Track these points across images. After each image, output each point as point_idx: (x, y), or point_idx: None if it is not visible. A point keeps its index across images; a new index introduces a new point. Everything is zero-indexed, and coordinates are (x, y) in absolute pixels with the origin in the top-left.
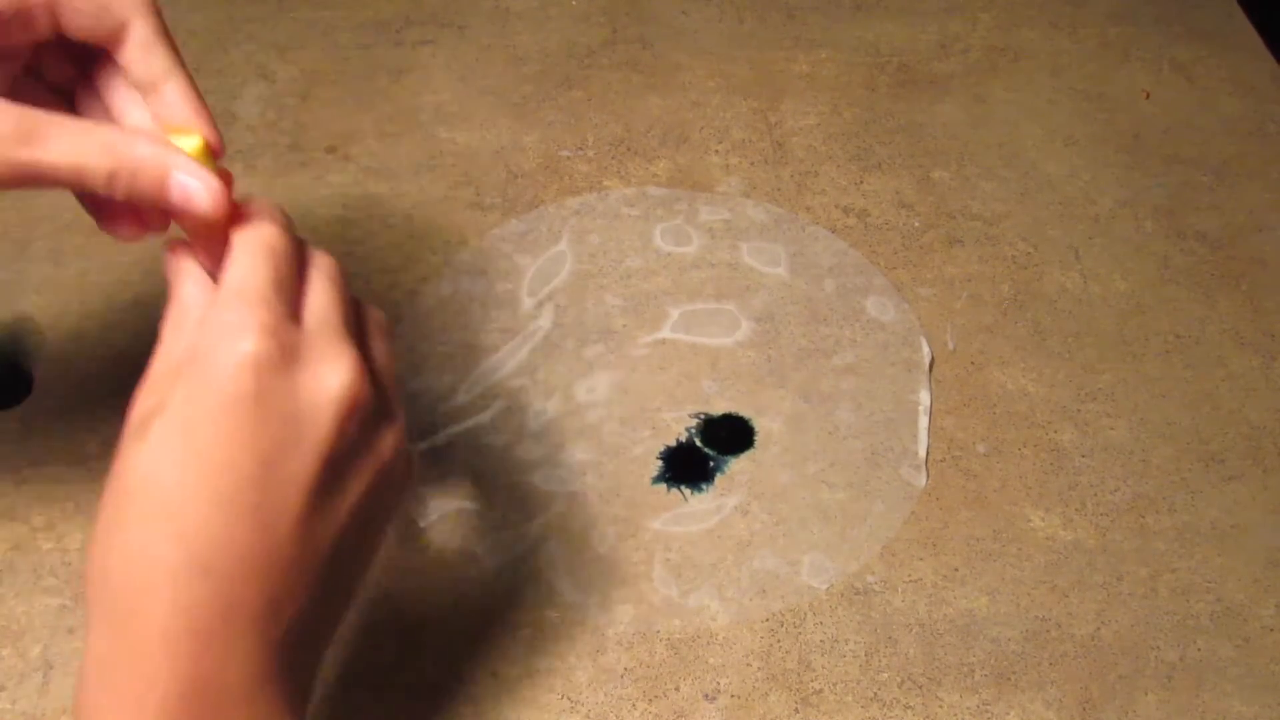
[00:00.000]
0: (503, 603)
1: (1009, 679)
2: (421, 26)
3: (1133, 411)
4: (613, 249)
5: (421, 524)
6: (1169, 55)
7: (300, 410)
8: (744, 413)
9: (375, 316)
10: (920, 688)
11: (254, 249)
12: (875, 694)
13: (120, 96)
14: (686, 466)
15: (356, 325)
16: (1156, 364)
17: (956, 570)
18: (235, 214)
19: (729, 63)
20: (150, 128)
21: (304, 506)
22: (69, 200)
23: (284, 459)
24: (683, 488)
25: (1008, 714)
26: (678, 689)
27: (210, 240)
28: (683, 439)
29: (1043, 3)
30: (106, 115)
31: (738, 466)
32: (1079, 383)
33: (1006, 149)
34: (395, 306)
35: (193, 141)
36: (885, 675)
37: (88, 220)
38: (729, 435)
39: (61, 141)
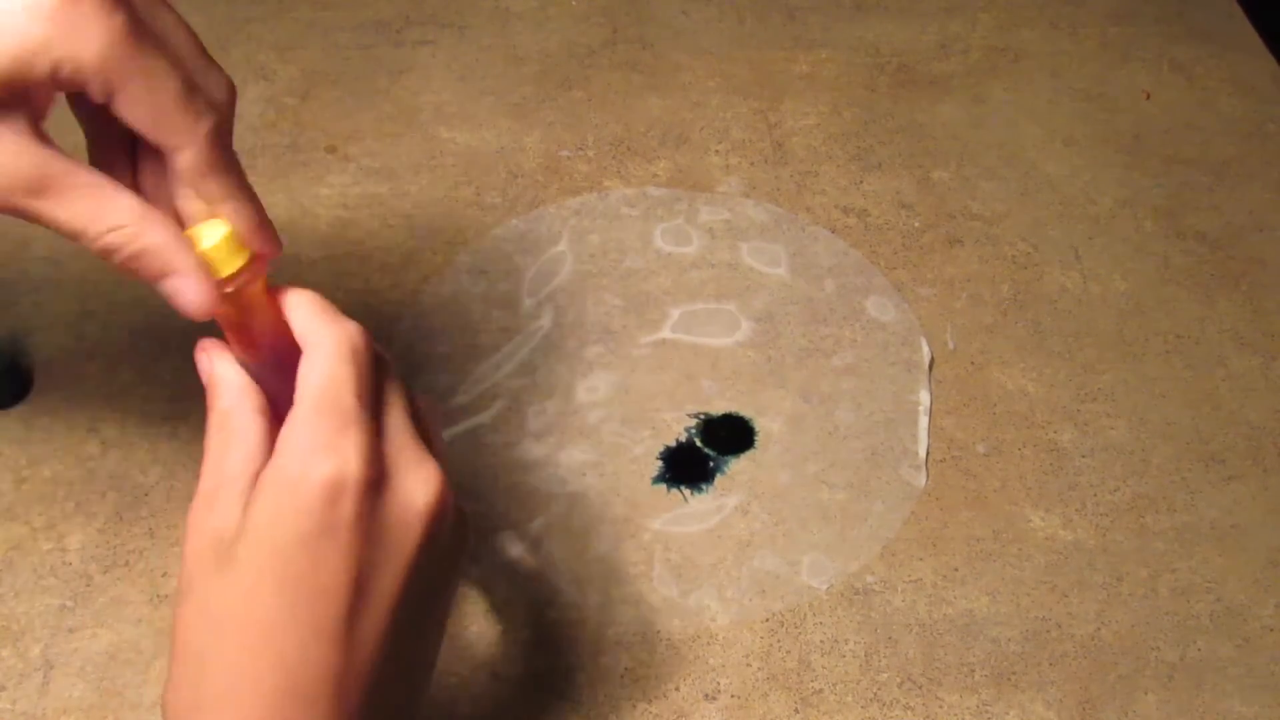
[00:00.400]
0: (503, 603)
1: (1009, 679)
2: (421, 26)
3: (1133, 411)
4: (613, 249)
5: None
6: (1169, 55)
7: (391, 529)
8: (744, 413)
9: (427, 402)
10: (920, 688)
11: (336, 352)
12: (875, 694)
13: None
14: (686, 466)
15: (426, 414)
16: (1156, 364)
17: (956, 570)
18: (274, 301)
19: (729, 63)
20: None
21: (393, 619)
22: None
23: (376, 579)
24: (683, 488)
25: (1008, 714)
26: (678, 689)
27: (244, 330)
28: (683, 439)
29: (1043, 3)
30: (160, 166)
31: (738, 466)
32: (1079, 383)
33: (1006, 149)
34: (395, 306)
35: (219, 231)
36: (885, 675)
37: None
38: (729, 435)
39: (73, 204)
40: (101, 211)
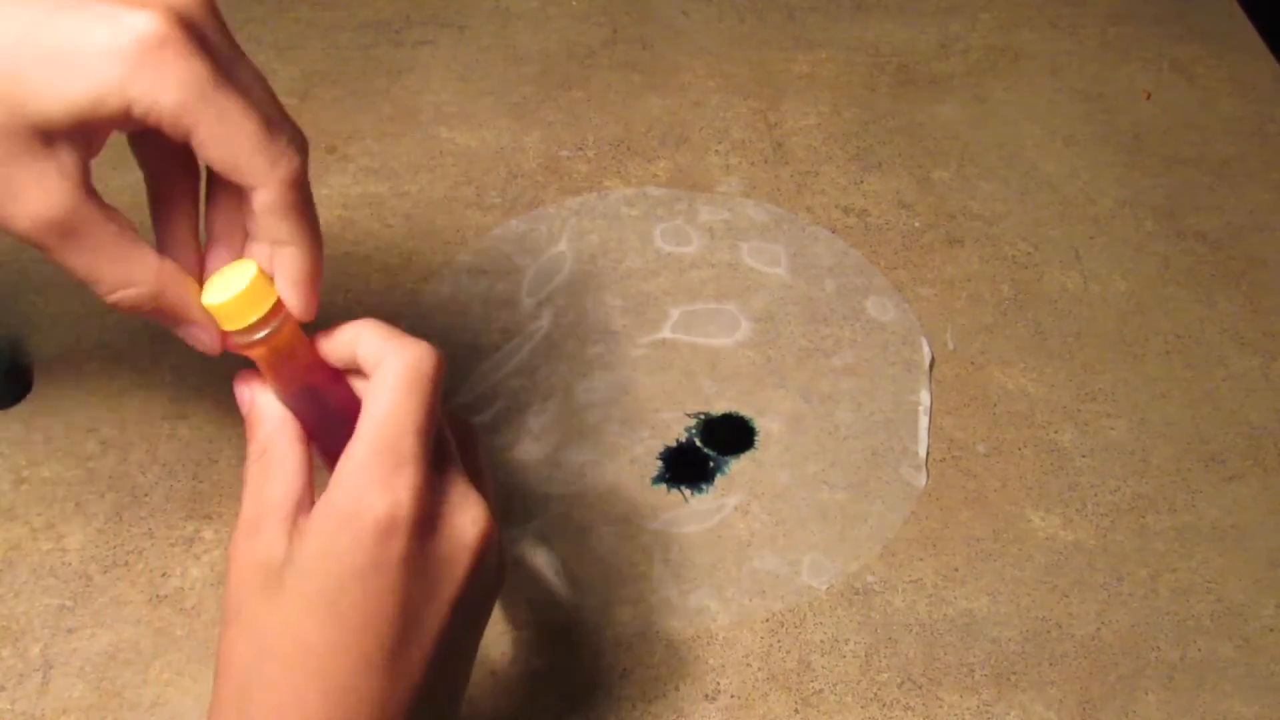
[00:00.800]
0: (503, 603)
1: (1009, 679)
2: (421, 26)
3: (1133, 411)
4: (613, 249)
5: None
6: (1169, 55)
7: (439, 565)
8: (744, 413)
9: (469, 426)
10: (920, 688)
11: (400, 381)
12: (875, 694)
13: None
14: (686, 466)
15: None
16: (1156, 364)
17: (956, 570)
18: (306, 341)
19: (729, 63)
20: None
21: (436, 650)
22: None
23: (423, 612)
24: (683, 488)
25: (1008, 714)
26: (678, 689)
27: (276, 367)
28: (683, 439)
29: (1043, 3)
30: (234, 198)
31: (738, 466)
32: (1079, 383)
33: (1006, 149)
34: (395, 306)
35: (237, 284)
36: (885, 675)
37: None
38: (729, 435)
39: (93, 255)
40: (117, 268)
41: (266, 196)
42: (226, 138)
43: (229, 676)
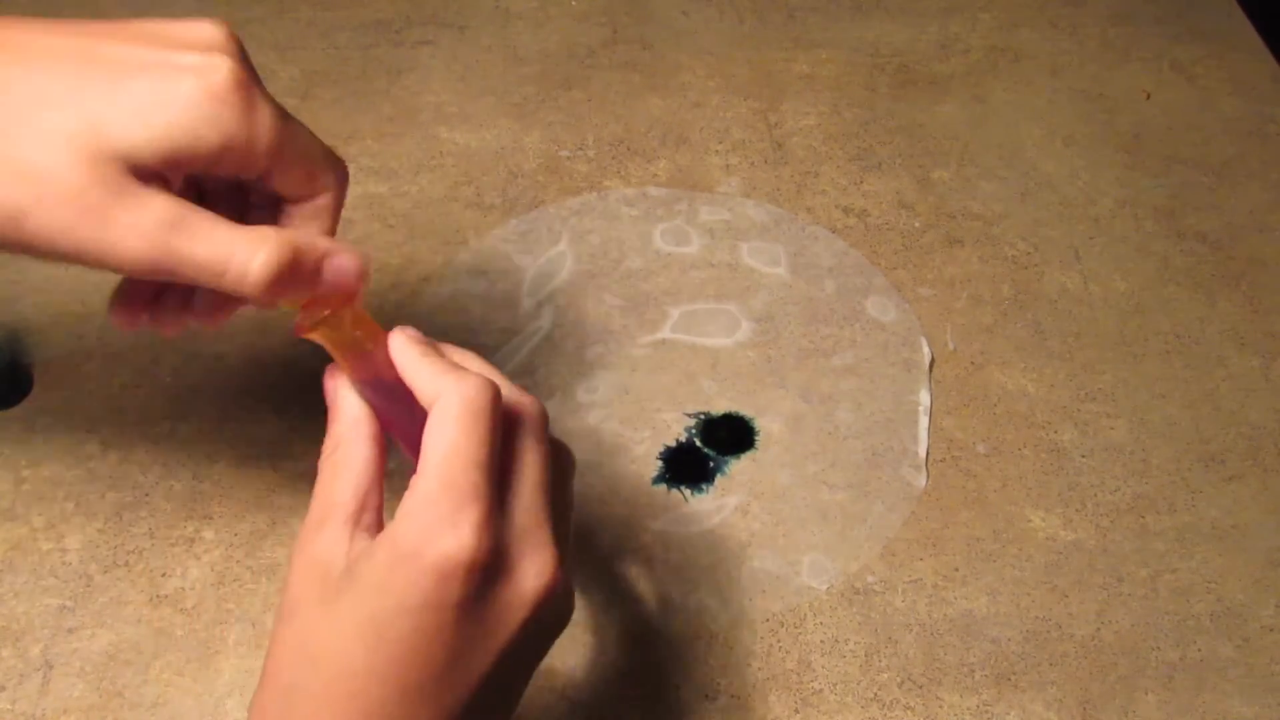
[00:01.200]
0: None
1: (1009, 679)
2: (421, 26)
3: (1133, 411)
4: (613, 249)
5: None
6: (1169, 55)
7: (497, 611)
8: (744, 413)
9: (568, 458)
10: (920, 688)
11: (460, 417)
12: (875, 694)
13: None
14: (686, 467)
15: (552, 470)
16: (1156, 364)
17: (956, 570)
18: (375, 337)
19: (729, 63)
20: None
21: (481, 689)
22: None
23: (472, 654)
24: (683, 488)
25: (1008, 714)
26: (678, 689)
27: (345, 358)
28: (683, 439)
29: (1043, 3)
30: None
31: (738, 467)
32: (1079, 383)
33: (1006, 149)
34: (395, 306)
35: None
36: (885, 675)
37: None
38: (729, 435)
39: (212, 236)
40: (239, 235)
41: (329, 200)
42: (305, 159)
43: (276, 676)
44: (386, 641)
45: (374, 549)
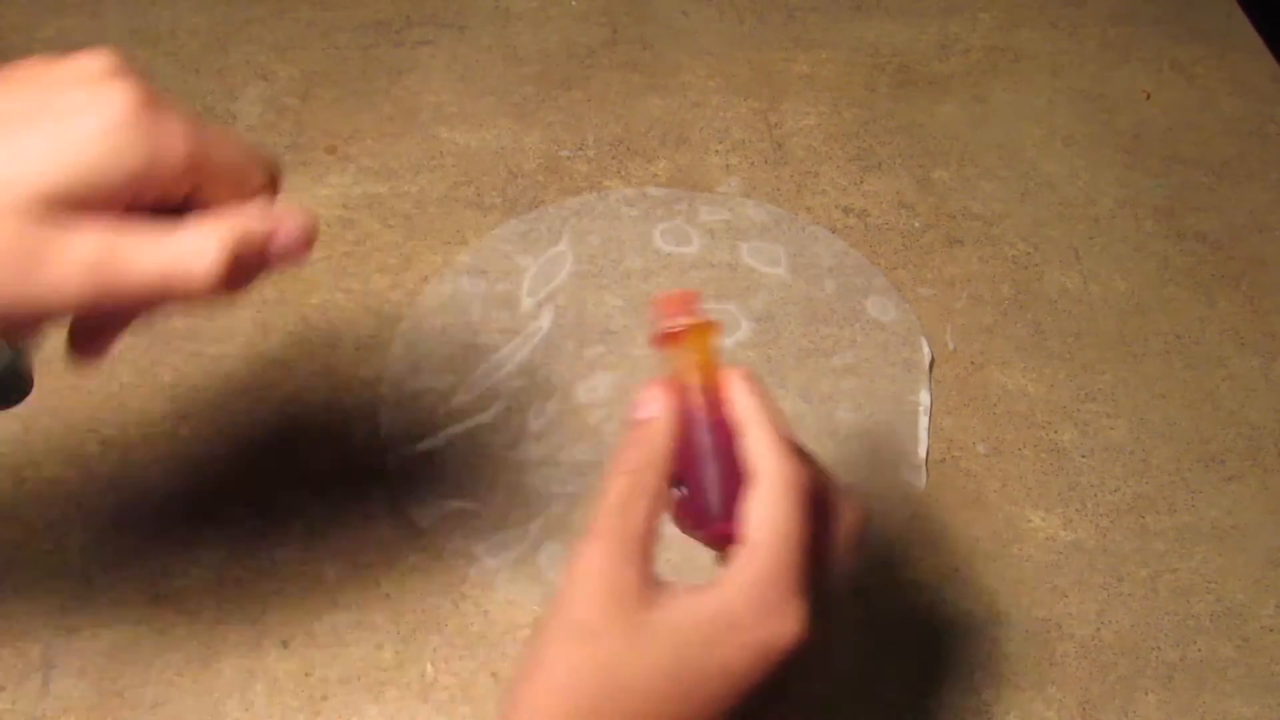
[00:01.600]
0: (503, 603)
1: (1009, 679)
2: (421, 26)
3: (1133, 411)
4: (613, 249)
5: (421, 524)
6: (1169, 55)
7: (769, 687)
8: None
9: (855, 513)
10: (920, 688)
11: (790, 498)
12: (875, 694)
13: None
14: None
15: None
16: (1156, 364)
17: (957, 570)
18: (715, 377)
19: (729, 63)
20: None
21: None
22: None
23: (745, 714)
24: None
25: (1008, 714)
26: None
27: (692, 384)
28: None
29: (1043, 3)
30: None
31: None
32: (1079, 383)
33: (1006, 149)
34: (395, 306)
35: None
36: (886, 675)
37: None
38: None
39: (151, 251)
40: (181, 245)
41: (265, 200)
42: (229, 167)
43: (572, 689)
44: (697, 699)
45: (700, 606)
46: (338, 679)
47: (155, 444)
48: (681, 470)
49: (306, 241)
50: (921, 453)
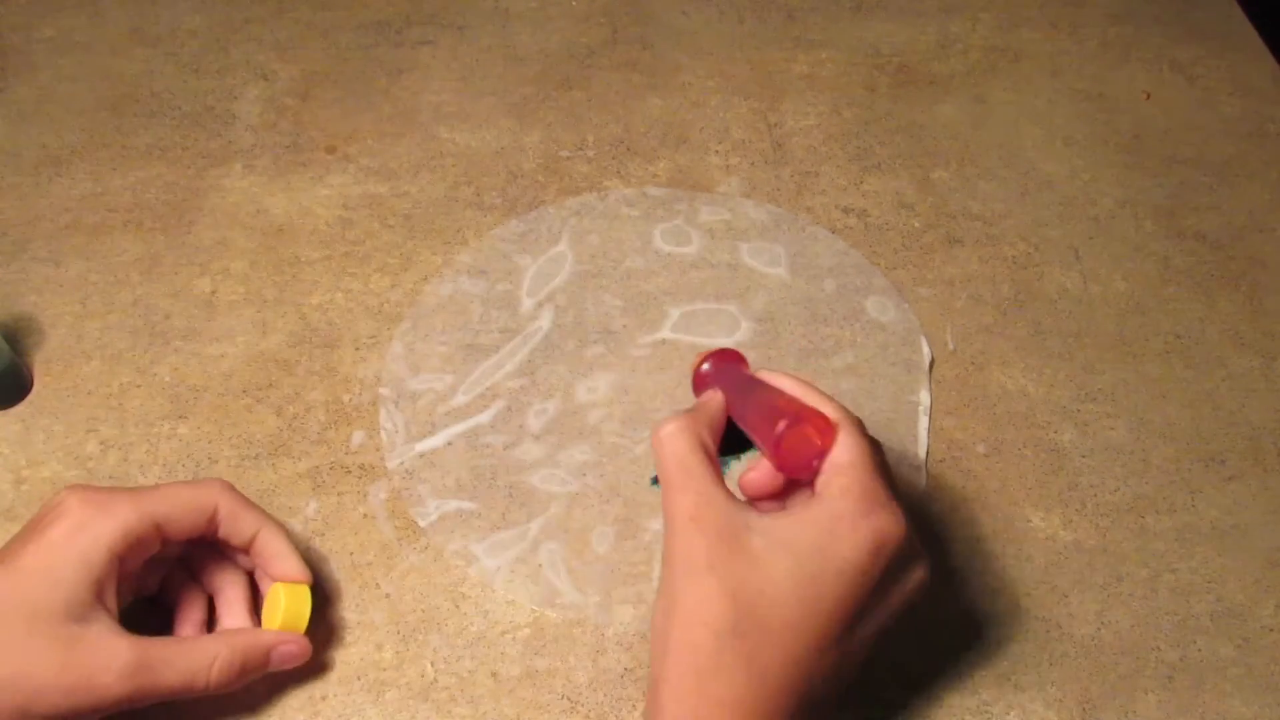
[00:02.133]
0: (503, 603)
1: (1009, 679)
2: (421, 26)
3: (1133, 411)
4: (613, 249)
5: (421, 524)
6: (1169, 55)
7: (895, 589)
8: None
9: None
10: (920, 688)
11: (865, 438)
12: (875, 694)
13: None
14: None
15: None
16: (1156, 364)
17: (956, 570)
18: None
19: (729, 63)
20: (240, 617)
21: (861, 649)
22: (69, 200)
23: (871, 619)
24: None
25: (1008, 714)
26: None
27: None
28: None
29: (1043, 3)
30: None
31: (738, 467)
32: (1079, 383)
33: (1006, 149)
34: (395, 306)
35: (303, 589)
36: (886, 675)
37: (88, 220)
38: (729, 435)
39: (173, 663)
40: (202, 656)
41: (227, 504)
42: (246, 507)
43: (708, 615)
44: (821, 599)
45: (808, 518)
46: (338, 679)
47: (155, 444)
48: (753, 423)
49: (301, 657)
50: (921, 453)
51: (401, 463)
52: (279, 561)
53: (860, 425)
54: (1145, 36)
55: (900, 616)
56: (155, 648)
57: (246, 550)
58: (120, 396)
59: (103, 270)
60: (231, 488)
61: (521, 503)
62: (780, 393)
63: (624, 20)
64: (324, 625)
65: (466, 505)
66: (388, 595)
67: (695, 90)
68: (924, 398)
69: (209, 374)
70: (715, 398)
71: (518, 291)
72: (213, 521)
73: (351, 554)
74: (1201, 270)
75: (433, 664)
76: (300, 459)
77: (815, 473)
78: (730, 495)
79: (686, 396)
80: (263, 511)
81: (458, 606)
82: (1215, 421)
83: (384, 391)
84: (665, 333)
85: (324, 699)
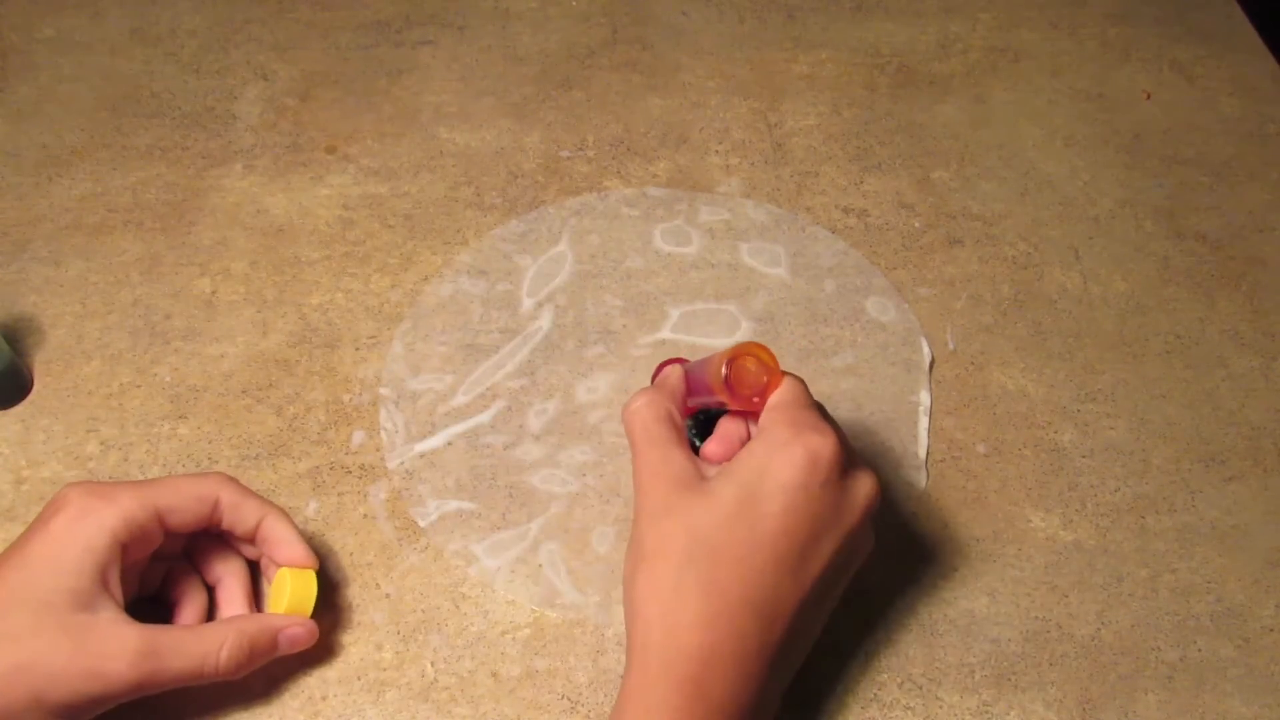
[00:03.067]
0: (503, 603)
1: (1009, 679)
2: (421, 26)
3: (1133, 411)
4: (613, 249)
5: (421, 524)
6: (1169, 55)
7: (841, 503)
8: None
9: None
10: (920, 688)
11: (794, 391)
12: (875, 694)
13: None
14: None
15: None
16: (1156, 364)
17: (956, 570)
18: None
19: (729, 63)
20: (243, 602)
21: (821, 576)
22: (69, 200)
23: (822, 537)
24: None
25: (1008, 714)
26: None
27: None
28: None
29: (1043, 3)
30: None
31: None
32: (1079, 383)
33: (1006, 149)
34: (395, 306)
35: (308, 574)
36: (885, 675)
37: (88, 220)
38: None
39: (181, 649)
40: (211, 640)
41: (229, 494)
42: (246, 495)
43: (667, 551)
44: (764, 517)
45: (745, 454)
46: (337, 679)
47: (155, 444)
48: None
49: (308, 640)
50: (922, 453)
51: (401, 463)
52: (284, 547)
53: (796, 378)
54: (1145, 36)
55: (860, 536)
56: (164, 634)
57: (252, 539)
58: (120, 396)
59: (103, 270)
60: (233, 479)
61: (522, 503)
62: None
63: (624, 20)
64: (324, 625)
65: (466, 505)
66: (388, 595)
67: (695, 90)
68: (924, 398)
69: (209, 374)
70: (674, 370)
71: (518, 291)
72: (216, 512)
73: (351, 554)
74: (1201, 270)
75: (433, 664)
76: (300, 459)
77: (760, 408)
78: (691, 454)
79: None
80: (265, 500)
81: (458, 606)
82: (1215, 421)
83: (384, 391)
84: (665, 333)
85: (324, 699)
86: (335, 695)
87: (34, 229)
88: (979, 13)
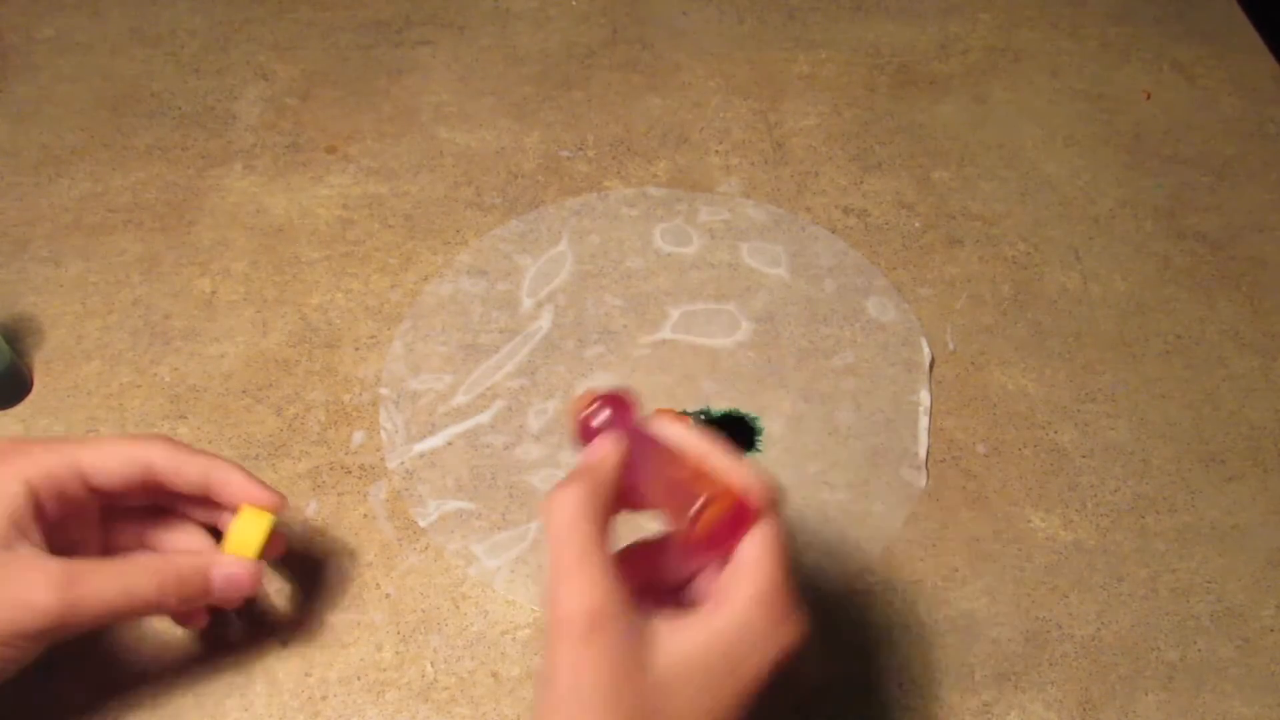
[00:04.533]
0: (503, 603)
1: (1009, 679)
2: (421, 26)
3: (1133, 411)
4: (613, 249)
5: (422, 524)
6: (1169, 55)
7: (767, 669)
8: (745, 412)
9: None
10: (920, 688)
11: (778, 542)
12: (876, 694)
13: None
14: None
15: None
16: (1156, 364)
17: (956, 570)
18: (742, 510)
19: (729, 63)
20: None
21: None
22: (69, 200)
23: (761, 699)
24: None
25: (1008, 714)
26: None
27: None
28: None
29: (1043, 3)
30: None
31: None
32: (1079, 383)
33: (1006, 149)
34: (395, 306)
35: (259, 514)
36: (886, 675)
37: (88, 220)
38: (730, 435)
39: (105, 577)
40: (136, 571)
41: (163, 455)
42: (204, 456)
43: (618, 701)
44: (724, 712)
45: (715, 628)
46: (338, 679)
47: None
48: (658, 497)
49: (248, 584)
50: (922, 453)
51: (401, 463)
52: (234, 488)
53: (774, 498)
54: (1145, 36)
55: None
56: (87, 564)
57: (205, 498)
58: (120, 396)
59: (103, 270)
60: (173, 440)
61: (522, 503)
62: (687, 461)
63: (624, 20)
64: (324, 625)
65: (466, 505)
66: (388, 595)
67: (695, 90)
68: (924, 398)
69: (209, 374)
70: (610, 457)
71: (518, 291)
72: (152, 475)
73: (352, 554)
74: (1201, 270)
75: (433, 664)
76: (300, 459)
77: (730, 553)
78: (628, 594)
79: (687, 398)
80: (214, 455)
81: (458, 606)
82: (1215, 421)
83: (384, 391)
84: (665, 333)
85: (324, 699)
86: (335, 695)
87: (34, 229)
88: (979, 13)
